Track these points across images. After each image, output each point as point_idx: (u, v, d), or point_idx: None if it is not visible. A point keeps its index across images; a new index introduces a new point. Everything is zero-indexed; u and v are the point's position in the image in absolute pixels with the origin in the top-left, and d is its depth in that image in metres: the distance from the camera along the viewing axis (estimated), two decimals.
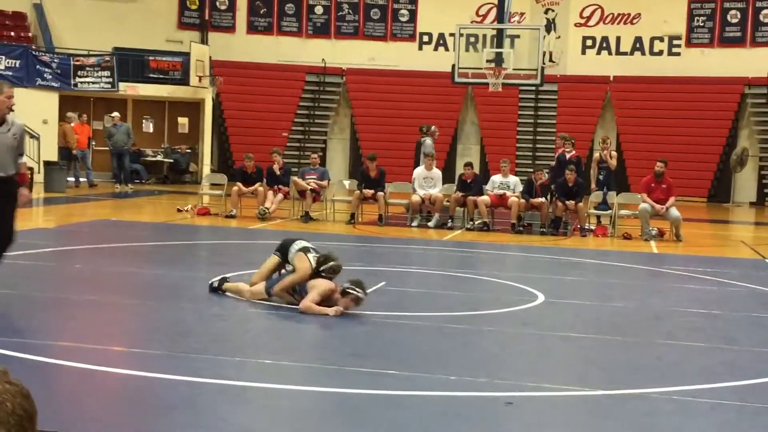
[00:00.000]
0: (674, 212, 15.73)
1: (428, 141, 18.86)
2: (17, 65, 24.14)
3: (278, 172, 17.49)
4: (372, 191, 16.95)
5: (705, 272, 11.79)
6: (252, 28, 30.45)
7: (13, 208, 7.75)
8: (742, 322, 8.58)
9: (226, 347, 6.79)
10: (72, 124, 23.37)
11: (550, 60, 28.30)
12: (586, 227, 16.36)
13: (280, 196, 17.19)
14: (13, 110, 7.79)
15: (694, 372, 6.48)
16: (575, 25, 29.53)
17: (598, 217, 17.04)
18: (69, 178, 22.68)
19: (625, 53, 29.28)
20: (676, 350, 7.17)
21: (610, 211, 16.82)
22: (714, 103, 27.56)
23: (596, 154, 18.09)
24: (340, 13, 30.42)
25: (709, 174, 27.11)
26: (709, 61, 28.33)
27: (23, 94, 23.76)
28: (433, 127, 19.58)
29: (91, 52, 25.76)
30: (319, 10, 30.44)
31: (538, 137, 28.57)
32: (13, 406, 1.41)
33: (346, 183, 20.25)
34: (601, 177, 17.50)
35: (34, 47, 25.81)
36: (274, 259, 8.43)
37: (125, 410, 5.32)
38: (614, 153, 17.83)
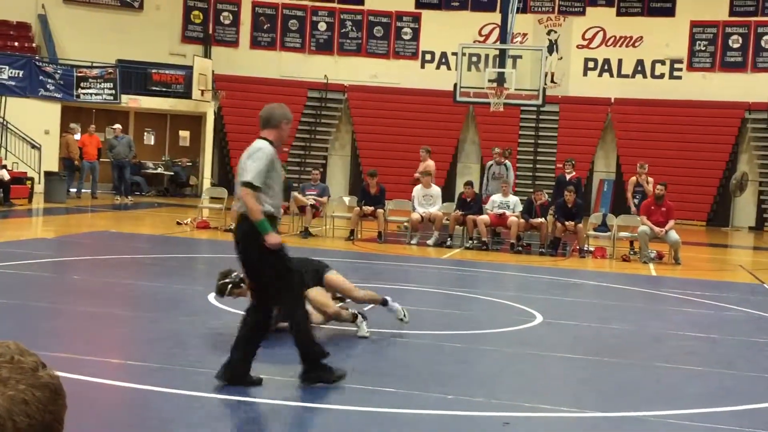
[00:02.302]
0: (673, 235, 15.73)
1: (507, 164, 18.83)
2: (20, 75, 24.19)
3: None
4: (372, 208, 16.97)
5: (703, 296, 11.78)
6: (255, 43, 30.55)
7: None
8: (740, 347, 8.57)
9: (224, 361, 6.77)
10: (76, 135, 23.40)
11: (552, 81, 28.37)
12: (585, 248, 16.37)
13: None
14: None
15: (692, 396, 6.47)
16: (577, 46, 29.63)
17: (631, 241, 16.85)
18: (72, 189, 22.78)
19: (626, 76, 29.36)
20: (673, 373, 7.16)
21: (609, 233, 16.84)
22: (714, 128, 27.62)
23: (633, 178, 18.12)
24: (343, 30, 30.52)
25: (709, 198, 27.13)
26: (710, 85, 28.42)
27: (26, 104, 23.90)
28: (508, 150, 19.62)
29: (94, 64, 25.82)
30: (322, 26, 30.55)
31: (538, 157, 28.61)
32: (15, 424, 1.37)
33: (346, 199, 20.26)
34: (636, 201, 17.58)
35: (37, 58, 25.87)
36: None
37: (121, 423, 5.31)
38: (651, 179, 17.74)
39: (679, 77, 28.97)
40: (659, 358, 7.74)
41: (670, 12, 29.04)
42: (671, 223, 15.87)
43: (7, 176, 19.52)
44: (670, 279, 14.03)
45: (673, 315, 10.38)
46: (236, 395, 5.72)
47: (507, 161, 19.00)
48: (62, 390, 1.41)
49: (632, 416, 5.78)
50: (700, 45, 28.92)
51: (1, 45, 26.47)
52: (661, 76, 29.15)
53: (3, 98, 23.43)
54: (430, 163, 18.72)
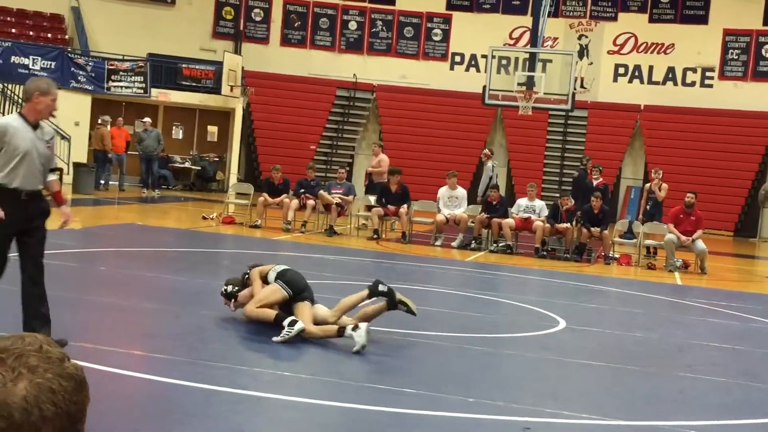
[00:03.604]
0: (700, 244, 15.61)
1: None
2: (52, 66, 24.38)
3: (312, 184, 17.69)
4: (395, 207, 16.94)
5: (729, 306, 11.67)
6: (285, 41, 30.62)
7: (44, 232, 6.61)
8: (765, 359, 8.47)
9: (246, 357, 6.80)
10: (108, 128, 23.60)
11: (582, 86, 28.23)
12: (610, 255, 16.27)
13: (311, 202, 17.13)
14: (54, 116, 6.62)
15: (715, 407, 6.41)
16: (608, 52, 29.45)
17: (653, 248, 16.80)
18: (112, 182, 23.21)
19: (657, 83, 29.15)
20: (696, 384, 7.10)
21: (635, 240, 16.72)
22: (744, 137, 27.34)
23: (647, 185, 18.03)
24: (374, 29, 30.53)
25: (737, 208, 26.88)
26: (742, 94, 28.14)
27: (57, 96, 24.08)
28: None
29: (125, 57, 25.99)
30: (352, 25, 30.57)
31: (565, 162, 28.46)
32: (42, 410, 1.38)
33: (372, 199, 20.27)
34: (648, 207, 17.47)
35: (69, 49, 26.08)
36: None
37: (142, 415, 5.34)
38: (665, 185, 17.64)
39: (711, 86, 28.72)
40: (683, 367, 7.68)
41: (703, 20, 28.81)
42: (699, 232, 15.74)
43: None
44: (696, 288, 13.91)
45: (697, 325, 10.29)
46: (256, 391, 5.73)
47: (490, 163, 19.03)
48: (86, 382, 1.42)
49: (654, 425, 5.73)
50: (732, 53, 28.66)
51: (34, 36, 26.72)
52: (692, 84, 28.91)
53: None
54: (384, 158, 18.80)
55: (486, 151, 19.53)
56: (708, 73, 28.81)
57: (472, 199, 18.90)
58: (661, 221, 16.96)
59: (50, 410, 1.34)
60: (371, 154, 29.94)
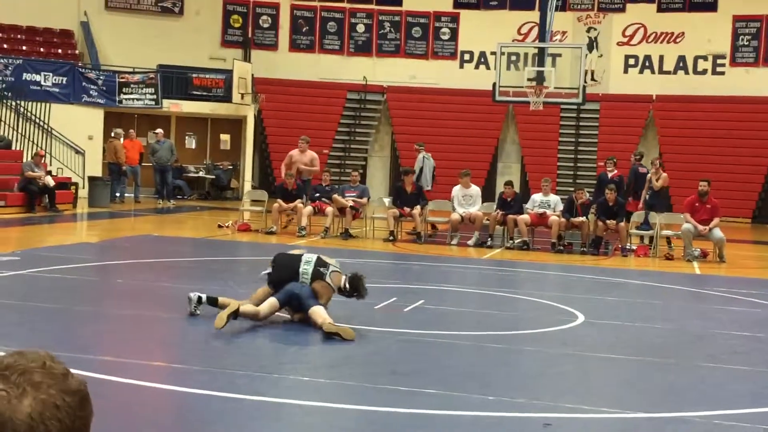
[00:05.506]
0: (717, 233, 15.51)
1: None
2: (64, 82, 24.53)
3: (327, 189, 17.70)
4: (409, 209, 16.92)
5: (748, 294, 11.59)
6: (294, 46, 30.67)
7: None
8: None
9: (264, 363, 6.80)
10: (121, 141, 23.70)
11: (592, 79, 28.12)
12: (627, 247, 16.20)
13: (330, 209, 17.10)
14: None
15: (737, 396, 6.37)
16: (618, 43, 29.34)
17: (669, 239, 16.71)
18: (128, 194, 23.38)
19: (668, 72, 29.01)
20: (718, 373, 7.06)
21: (651, 231, 16.65)
22: (759, 123, 27.16)
23: (649, 175, 17.92)
24: (382, 31, 30.53)
25: (754, 195, 26.70)
26: (754, 80, 27.97)
27: (69, 111, 24.23)
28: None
29: (136, 70, 26.09)
30: (360, 28, 30.58)
31: (579, 156, 28.38)
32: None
33: (386, 200, 20.25)
34: (647, 196, 17.35)
35: (80, 64, 26.22)
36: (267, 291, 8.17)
37: (162, 425, 5.36)
38: (665, 175, 17.46)
39: (722, 73, 28.56)
40: (703, 357, 7.63)
41: (712, 7, 28.65)
42: (716, 220, 15.65)
43: (52, 183, 19.78)
44: (715, 277, 13.84)
45: (717, 314, 10.23)
46: (275, 397, 5.74)
47: (420, 155, 19.08)
48: (89, 397, 1.43)
49: (676, 417, 5.70)
50: (743, 40, 28.49)
51: (45, 52, 26.88)
52: (704, 72, 28.76)
53: (47, 105, 23.77)
54: (314, 155, 18.87)
55: (416, 146, 19.68)
56: (719, 61, 28.66)
57: (486, 197, 18.88)
58: (661, 211, 16.83)
59: (55, 426, 1.35)
60: (380, 155, 30.07)
